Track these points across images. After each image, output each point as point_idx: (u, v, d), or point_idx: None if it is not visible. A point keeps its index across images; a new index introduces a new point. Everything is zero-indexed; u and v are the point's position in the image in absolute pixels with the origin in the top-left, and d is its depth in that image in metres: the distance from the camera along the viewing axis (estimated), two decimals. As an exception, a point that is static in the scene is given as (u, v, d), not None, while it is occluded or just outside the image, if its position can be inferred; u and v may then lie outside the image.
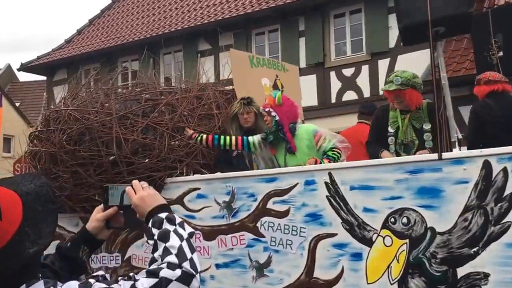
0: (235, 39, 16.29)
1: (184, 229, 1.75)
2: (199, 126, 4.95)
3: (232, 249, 4.48)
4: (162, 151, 4.81)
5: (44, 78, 21.57)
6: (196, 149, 4.87)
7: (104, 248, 5.19)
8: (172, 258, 1.63)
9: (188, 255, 1.66)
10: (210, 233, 4.59)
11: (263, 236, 4.33)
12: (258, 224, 4.35)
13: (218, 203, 4.57)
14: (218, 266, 4.55)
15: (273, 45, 15.94)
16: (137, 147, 4.86)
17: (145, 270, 1.63)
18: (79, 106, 5.20)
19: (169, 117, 4.89)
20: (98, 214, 2.02)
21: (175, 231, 1.71)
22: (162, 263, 1.62)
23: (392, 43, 13.82)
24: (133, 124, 4.90)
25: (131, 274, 1.66)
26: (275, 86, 5.72)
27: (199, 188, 4.69)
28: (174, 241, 1.68)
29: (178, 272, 1.60)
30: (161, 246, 1.68)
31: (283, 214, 4.24)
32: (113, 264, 5.13)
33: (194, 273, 1.63)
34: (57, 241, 2.51)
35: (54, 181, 5.15)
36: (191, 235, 1.76)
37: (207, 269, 4.58)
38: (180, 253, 1.65)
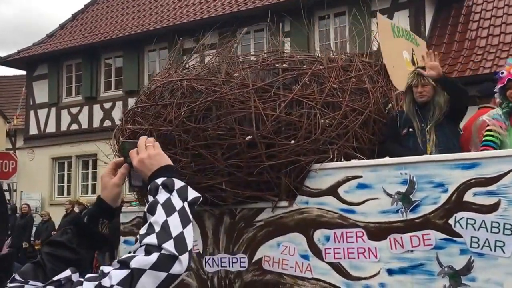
0: (220, 38, 15.31)
1: (183, 196, 1.48)
2: (352, 102, 3.93)
3: (411, 251, 3.50)
4: (311, 131, 3.78)
5: (24, 72, 20.11)
6: (350, 129, 3.86)
7: (223, 248, 4.13)
8: (151, 239, 1.36)
9: (174, 231, 1.38)
10: (377, 232, 3.61)
11: (460, 236, 3.37)
12: (451, 221, 3.39)
13: (389, 194, 3.59)
14: (391, 272, 3.56)
15: (258, 45, 15.00)
16: (279, 125, 3.82)
17: (117, 259, 1.38)
18: (193, 77, 4.13)
19: (318, 89, 3.86)
20: (113, 179, 1.74)
21: (166, 202, 1.44)
22: (140, 246, 1.36)
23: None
24: (272, 99, 3.86)
25: (101, 267, 1.37)
26: (412, 62, 4.75)
27: (360, 176, 3.70)
28: (159, 216, 1.41)
29: (153, 257, 1.33)
30: (147, 222, 1.43)
31: (490, 209, 3.28)
32: (236, 268, 4.07)
33: (177, 254, 1.35)
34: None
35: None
36: (193, 202, 1.51)
37: (374, 275, 3.59)
38: (163, 231, 1.38)
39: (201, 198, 1.57)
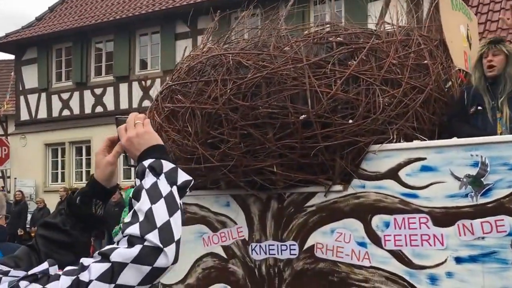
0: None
1: (172, 180, 1.34)
2: (412, 79, 3.63)
3: (483, 238, 3.23)
4: (369, 110, 3.48)
5: (12, 57, 19.46)
6: (410, 109, 3.56)
7: (271, 235, 3.82)
8: (134, 229, 1.22)
9: (159, 221, 1.25)
10: (444, 217, 3.33)
11: (539, 222, 3.09)
12: (528, 206, 3.11)
13: (457, 177, 3.31)
14: (459, 260, 3.29)
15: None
16: (336, 104, 3.50)
17: (98, 251, 1.23)
18: (240, 51, 3.79)
19: (376, 65, 3.55)
20: (107, 157, 1.57)
21: (152, 187, 1.29)
22: (123, 237, 1.23)
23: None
24: (328, 75, 3.55)
25: (81, 260, 1.23)
26: (467, 38, 4.44)
27: (424, 158, 3.41)
28: (143, 203, 1.27)
29: (135, 250, 1.20)
30: (132, 210, 1.29)
31: None
32: (286, 255, 3.77)
33: (162, 246, 1.23)
34: None
35: (210, 148, 3.75)
36: (183, 186, 1.37)
37: (440, 263, 3.31)
38: (146, 220, 1.23)
39: (192, 182, 1.43)
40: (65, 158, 17.32)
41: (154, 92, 16.28)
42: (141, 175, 1.35)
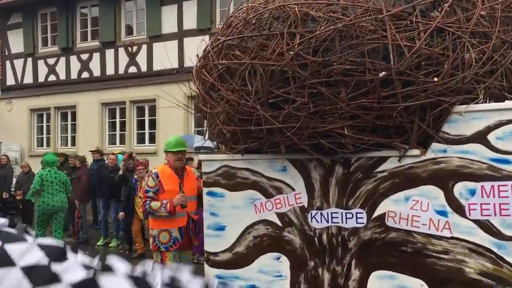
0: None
1: None
2: (504, 32, 3.20)
3: None
4: (457, 67, 3.04)
5: None
6: (500, 66, 3.14)
7: (334, 202, 3.39)
8: None
9: None
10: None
11: None
12: None
13: (552, 141, 2.91)
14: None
15: None
16: (419, 60, 3.05)
17: None
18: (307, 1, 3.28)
19: (464, 17, 3.10)
20: None
21: None
22: None
23: None
24: (410, 27, 3.08)
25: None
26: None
27: (518, 121, 3.00)
28: None
29: None
30: None
31: None
32: (351, 224, 3.36)
33: None
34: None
35: (271, 109, 3.27)
36: None
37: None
38: None
39: None
40: (50, 123, 16.46)
41: (140, 57, 15.64)
42: None
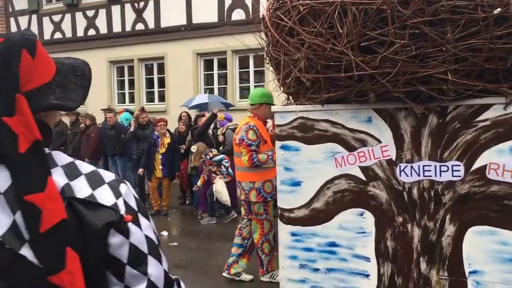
0: None
1: None
2: None
3: None
4: None
5: None
6: None
7: (426, 154, 3.06)
8: None
9: None
10: None
11: None
12: None
13: None
14: None
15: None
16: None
17: None
18: None
19: None
20: None
21: None
22: None
23: None
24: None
25: None
26: None
27: None
28: None
29: None
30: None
31: None
32: (446, 177, 3.04)
33: None
34: None
35: (361, 53, 2.89)
36: None
37: None
38: None
39: None
40: (58, 82, 15.86)
41: (147, 14, 14.96)
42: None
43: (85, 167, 1.19)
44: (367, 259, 3.27)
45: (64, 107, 1.21)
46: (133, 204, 1.16)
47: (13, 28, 16.27)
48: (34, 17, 15.89)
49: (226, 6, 13.25)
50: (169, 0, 13.96)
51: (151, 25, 14.35)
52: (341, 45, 2.91)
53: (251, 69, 13.21)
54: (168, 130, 9.72)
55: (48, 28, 15.75)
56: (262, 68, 12.74)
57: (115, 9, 14.93)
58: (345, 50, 2.91)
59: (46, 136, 1.17)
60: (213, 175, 8.42)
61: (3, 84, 1.08)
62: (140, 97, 14.66)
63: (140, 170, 9.93)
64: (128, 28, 14.73)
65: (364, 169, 3.24)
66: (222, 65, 13.44)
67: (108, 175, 1.19)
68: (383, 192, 3.19)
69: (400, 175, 3.14)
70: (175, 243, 7.63)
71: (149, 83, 14.73)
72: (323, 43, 2.99)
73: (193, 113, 10.99)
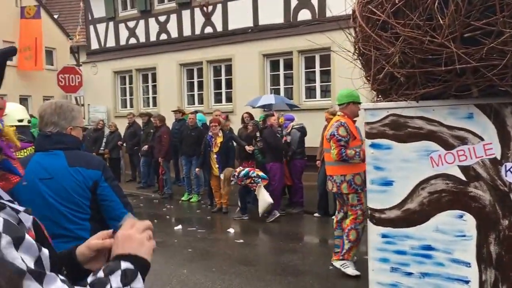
0: None
1: None
2: None
3: None
4: None
5: None
6: None
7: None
8: None
9: None
10: None
11: None
12: None
13: None
14: None
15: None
16: None
17: None
18: None
19: None
20: (94, 240, 1.35)
21: None
22: None
23: None
24: None
25: None
26: None
27: None
28: None
29: None
30: None
31: None
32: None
33: None
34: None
35: (464, 45, 2.63)
36: None
37: None
38: None
39: None
40: (132, 85, 16.30)
41: (215, 17, 15.02)
42: (110, 271, 1.15)
43: None
44: (467, 264, 3.00)
45: None
46: None
47: (92, 36, 16.85)
48: (111, 24, 16.38)
49: (292, 6, 13.07)
50: (236, 3, 13.95)
51: (219, 28, 14.40)
52: (442, 37, 2.66)
53: (317, 69, 12.95)
54: (221, 129, 9.71)
55: (123, 34, 16.18)
56: (329, 68, 12.46)
57: (185, 14, 15.11)
58: (446, 43, 2.66)
59: None
60: (251, 184, 8.69)
61: None
62: (209, 98, 14.75)
63: (197, 170, 10.10)
64: (197, 31, 14.87)
65: (464, 169, 2.97)
66: (288, 65, 13.27)
67: None
68: (486, 193, 2.91)
69: (506, 175, 2.85)
70: (241, 240, 7.56)
71: (217, 85, 14.80)
72: (420, 36, 2.75)
73: (255, 113, 10.90)
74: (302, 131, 9.61)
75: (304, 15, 12.87)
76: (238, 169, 8.86)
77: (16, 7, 21.66)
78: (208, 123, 10.36)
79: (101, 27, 16.62)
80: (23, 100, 21.06)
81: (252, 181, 8.62)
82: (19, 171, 1.28)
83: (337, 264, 5.44)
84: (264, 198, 8.43)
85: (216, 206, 9.85)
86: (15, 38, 21.10)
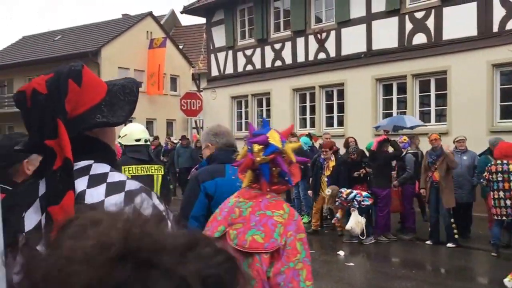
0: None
1: None
2: None
3: None
4: None
5: (202, 21, 19.10)
6: None
7: None
8: None
9: None
10: None
11: None
12: None
13: None
14: None
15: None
16: None
17: None
18: None
19: None
20: None
21: None
22: None
23: None
24: None
25: None
26: None
27: None
28: None
29: None
30: None
31: None
32: None
33: None
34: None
35: None
36: None
37: None
38: None
39: None
40: (248, 109, 16.87)
41: (329, 43, 15.07)
42: None
43: (117, 177, 1.25)
44: None
45: (109, 124, 1.30)
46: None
47: (213, 63, 17.81)
48: (230, 52, 17.18)
49: (407, 31, 12.76)
50: (350, 29, 13.95)
51: (332, 53, 14.46)
52: None
53: (432, 92, 12.45)
54: (333, 153, 9.64)
55: (241, 61, 16.87)
56: (445, 92, 11.92)
57: (300, 41, 15.40)
58: None
59: (97, 150, 1.29)
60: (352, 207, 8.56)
61: (50, 112, 1.20)
62: (320, 122, 14.79)
63: (309, 192, 10.12)
64: (311, 57, 15.06)
65: None
66: (402, 89, 12.91)
67: (134, 185, 1.24)
68: None
69: None
70: (351, 264, 7.39)
71: (329, 109, 14.80)
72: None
73: (360, 139, 10.64)
74: (416, 156, 9.26)
75: (420, 38, 12.50)
76: (346, 191, 8.72)
77: (147, 39, 23.59)
78: (314, 145, 10.34)
79: (221, 55, 17.49)
80: (149, 123, 22.70)
81: (351, 205, 8.50)
82: (292, 179, 1.75)
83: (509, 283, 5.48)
84: (355, 221, 8.34)
85: (312, 227, 9.75)
86: (144, 67, 22.98)
